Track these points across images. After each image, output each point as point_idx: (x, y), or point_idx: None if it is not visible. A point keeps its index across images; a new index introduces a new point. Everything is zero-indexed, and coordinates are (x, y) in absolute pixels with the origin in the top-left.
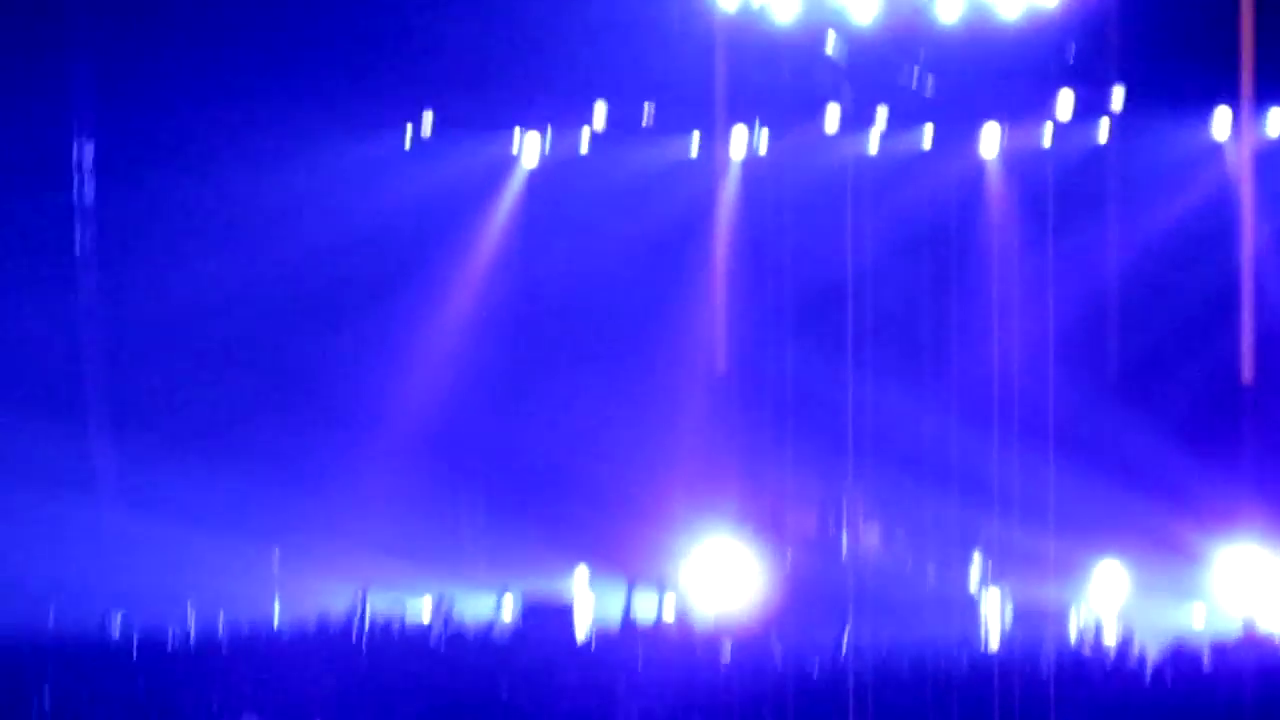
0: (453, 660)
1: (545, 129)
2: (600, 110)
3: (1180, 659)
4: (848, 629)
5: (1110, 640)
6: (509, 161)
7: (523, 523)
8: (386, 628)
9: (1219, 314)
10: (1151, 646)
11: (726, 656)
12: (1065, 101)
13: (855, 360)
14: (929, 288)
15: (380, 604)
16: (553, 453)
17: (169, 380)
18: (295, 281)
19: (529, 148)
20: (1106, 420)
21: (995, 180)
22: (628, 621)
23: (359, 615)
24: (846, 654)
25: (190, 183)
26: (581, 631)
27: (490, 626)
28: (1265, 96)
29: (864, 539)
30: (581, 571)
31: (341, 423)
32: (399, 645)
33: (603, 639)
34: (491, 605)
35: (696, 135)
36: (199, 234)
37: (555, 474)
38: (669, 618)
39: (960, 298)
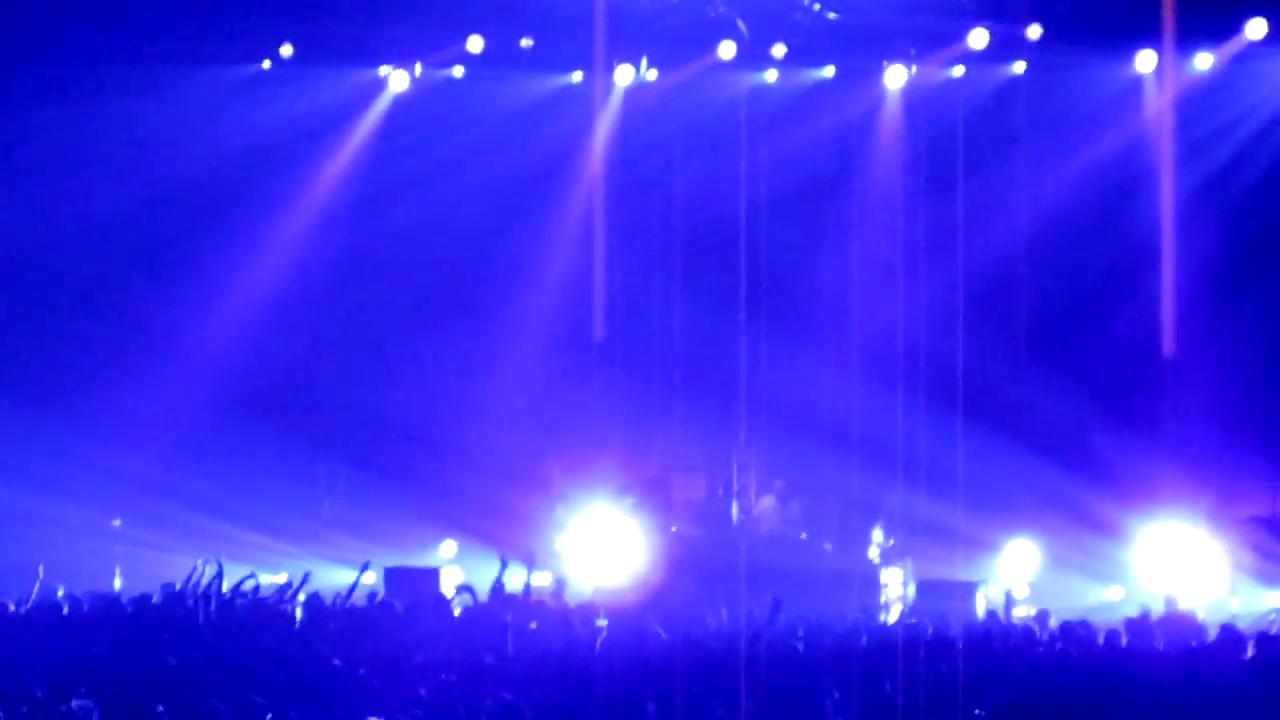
0: (309, 633)
1: (414, 62)
2: (475, 43)
3: (1086, 635)
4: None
5: (1017, 616)
6: (374, 96)
7: (387, 490)
8: (235, 599)
9: (1138, 267)
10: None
11: (602, 630)
12: (978, 38)
13: (747, 314)
14: (828, 235)
15: (233, 575)
16: (417, 414)
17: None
18: (140, 222)
19: (396, 82)
20: (1020, 384)
21: (899, 119)
22: (498, 594)
23: (206, 586)
24: (729, 628)
25: (32, 114)
26: (448, 602)
27: (350, 598)
28: (1189, 35)
29: (756, 509)
30: (449, 543)
31: (188, 378)
32: (248, 617)
33: (470, 611)
34: (353, 577)
35: (579, 73)
36: (38, 169)
37: (420, 437)
38: (544, 590)
39: (862, 246)
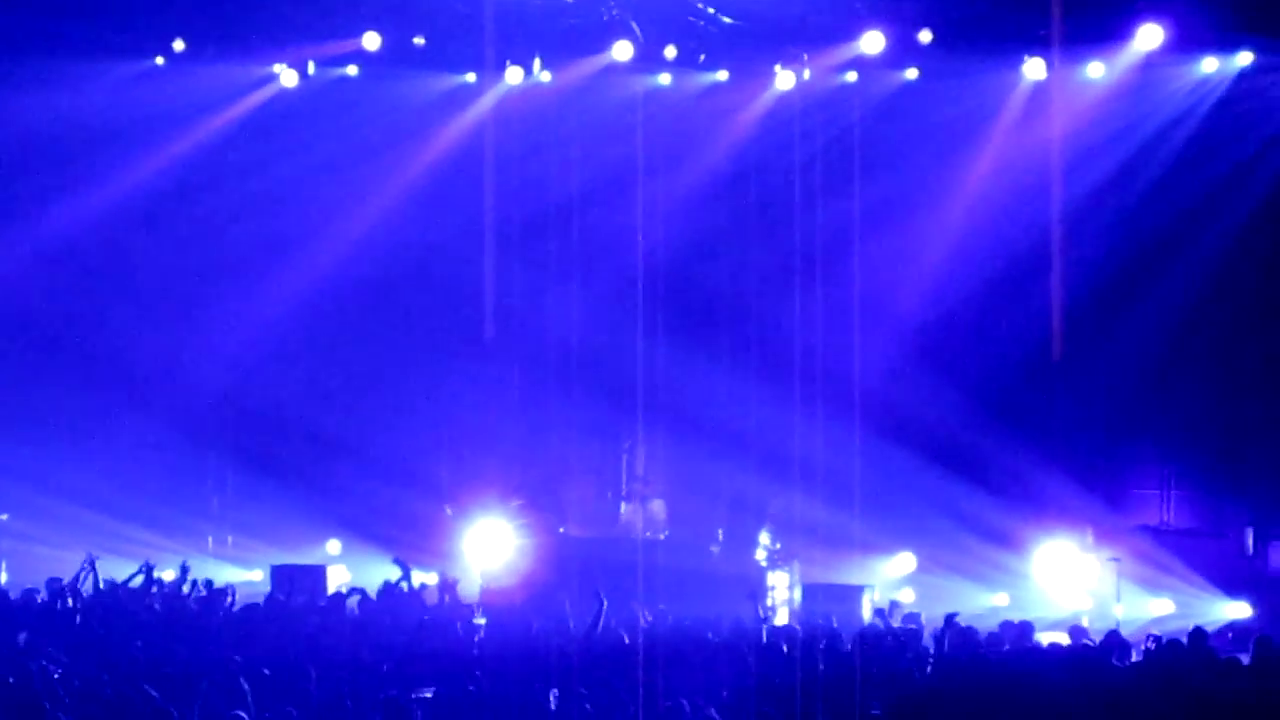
0: (196, 628)
1: (307, 60)
2: (372, 40)
3: (969, 638)
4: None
5: (898, 621)
6: (267, 92)
7: (275, 488)
8: (114, 593)
9: (1029, 273)
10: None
11: (480, 628)
12: (872, 41)
13: (643, 317)
14: (724, 238)
15: (115, 571)
16: (305, 413)
17: None
18: (32, 213)
19: (288, 79)
20: (912, 390)
21: (794, 123)
22: (388, 594)
23: (86, 581)
24: (614, 627)
25: None
26: (333, 598)
27: (232, 594)
28: (1080, 43)
29: (646, 511)
30: (334, 541)
31: (78, 374)
32: (129, 612)
33: (361, 609)
34: (237, 574)
35: (473, 74)
36: None
37: (311, 438)
38: (431, 591)
39: (758, 249)
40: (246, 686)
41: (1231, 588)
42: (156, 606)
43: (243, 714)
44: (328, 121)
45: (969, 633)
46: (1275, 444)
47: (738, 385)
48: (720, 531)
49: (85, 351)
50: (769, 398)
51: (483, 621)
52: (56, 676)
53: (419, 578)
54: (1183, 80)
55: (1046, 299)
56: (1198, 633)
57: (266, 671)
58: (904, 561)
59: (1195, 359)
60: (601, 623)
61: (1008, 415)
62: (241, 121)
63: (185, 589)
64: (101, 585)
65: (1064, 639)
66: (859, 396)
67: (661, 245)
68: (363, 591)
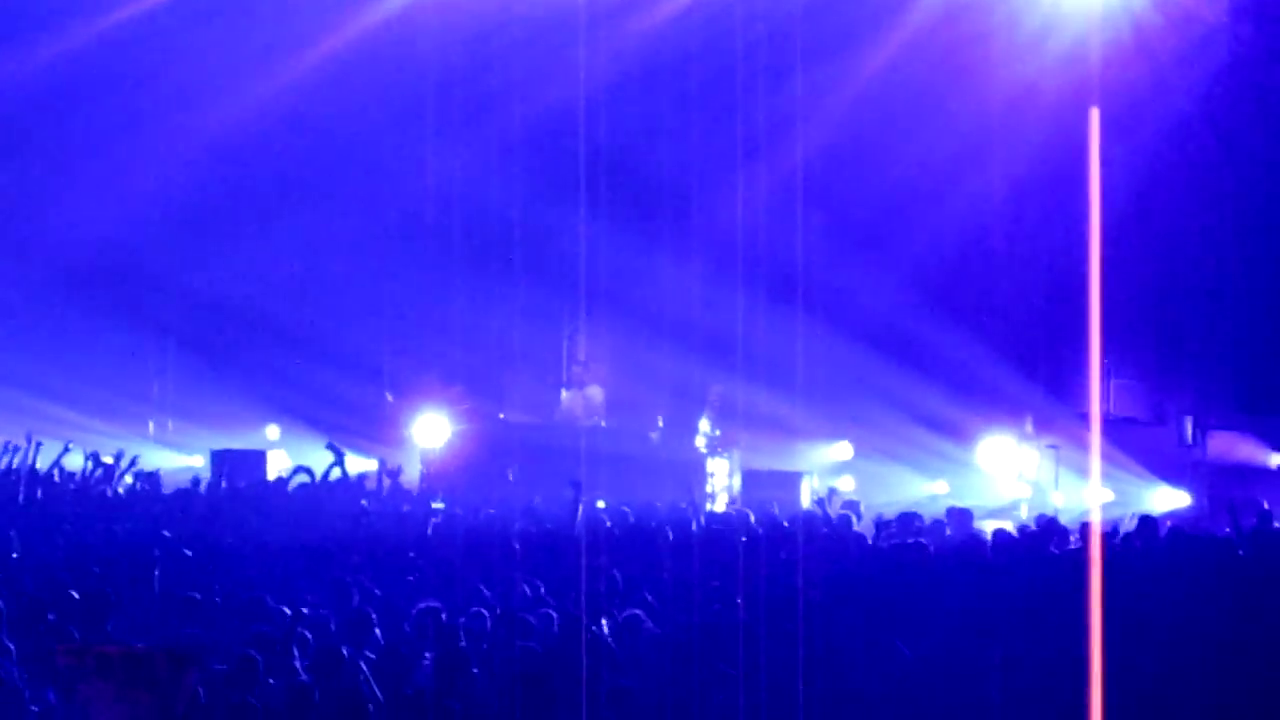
0: (135, 512)
1: None
2: None
3: (909, 525)
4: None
5: (837, 508)
6: None
7: (216, 373)
8: (52, 476)
9: (973, 158)
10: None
11: (438, 512)
12: None
13: (585, 202)
14: (666, 122)
15: (51, 453)
16: (248, 298)
17: None
18: None
19: None
20: (853, 277)
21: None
22: (331, 479)
23: (25, 463)
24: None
25: None
26: (284, 483)
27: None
28: None
29: (586, 398)
30: (273, 427)
31: (17, 256)
32: (70, 495)
33: (306, 490)
34: (179, 457)
35: None
36: None
37: (251, 323)
38: (372, 475)
39: (701, 134)
40: (191, 564)
41: (1170, 476)
42: (105, 490)
43: (196, 594)
44: (266, 9)
45: (909, 519)
46: (1214, 333)
47: (679, 271)
48: (660, 418)
49: (21, 235)
50: (710, 284)
51: (440, 506)
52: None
53: (360, 464)
54: None
55: (989, 186)
56: (1146, 520)
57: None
58: (842, 449)
59: (1136, 247)
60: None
61: (948, 303)
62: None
63: (125, 474)
64: (40, 466)
65: (1005, 526)
66: (800, 283)
67: (603, 130)
68: (309, 470)
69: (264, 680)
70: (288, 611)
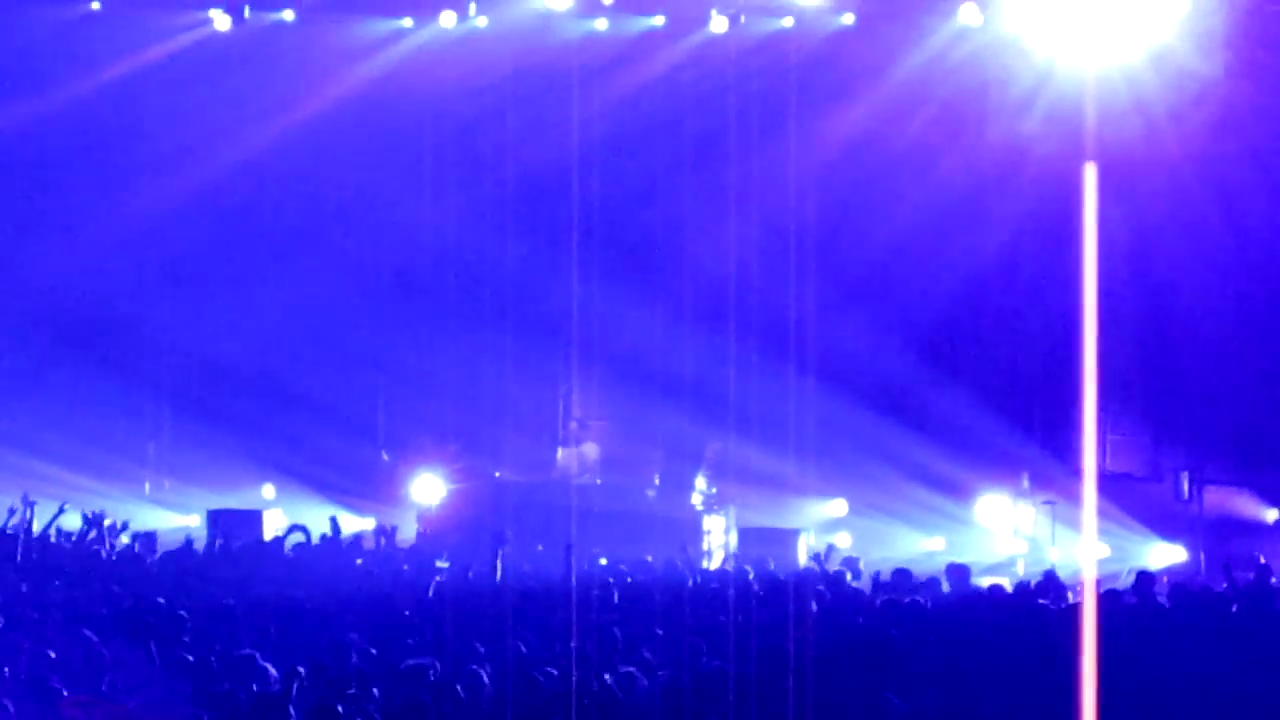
0: (131, 574)
1: (243, 4)
2: None
3: (904, 582)
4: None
5: (835, 564)
6: (201, 36)
7: (212, 433)
8: (47, 538)
9: (970, 213)
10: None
11: (442, 571)
12: None
13: (579, 260)
14: (660, 180)
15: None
16: (245, 357)
17: None
18: None
19: (221, 23)
20: (852, 335)
21: (730, 67)
22: (326, 540)
23: (21, 523)
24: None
25: None
26: (280, 542)
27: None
28: None
29: (581, 455)
30: (268, 486)
31: (11, 313)
32: (69, 557)
33: (301, 550)
34: (176, 517)
35: (409, 19)
36: None
37: (246, 383)
38: (368, 534)
39: (695, 192)
40: (187, 626)
41: (1167, 531)
42: (101, 551)
43: (188, 656)
44: (263, 67)
45: (905, 575)
46: (1211, 389)
47: (674, 329)
48: (656, 476)
49: (16, 292)
50: (705, 341)
51: (444, 565)
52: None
53: (356, 523)
54: None
55: (984, 242)
56: (1143, 576)
57: (202, 613)
58: (837, 506)
59: (1132, 303)
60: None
61: (944, 359)
62: (181, 67)
63: (125, 538)
64: (36, 528)
65: (1002, 582)
66: (795, 340)
67: (598, 187)
68: (305, 529)
69: None
70: (273, 672)
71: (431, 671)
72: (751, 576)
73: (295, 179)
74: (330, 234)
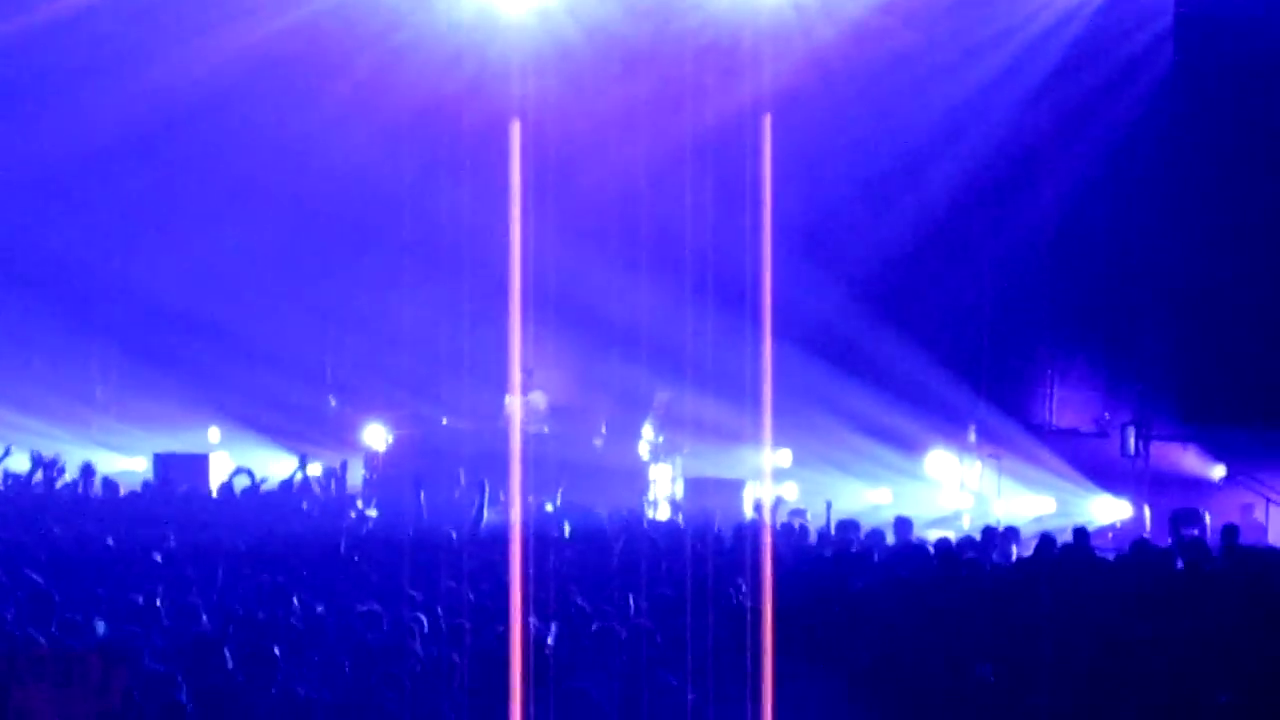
0: (76, 514)
1: None
2: None
3: (851, 534)
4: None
5: (784, 516)
6: None
7: (159, 377)
8: None
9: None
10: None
11: (370, 518)
12: None
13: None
14: (614, 129)
15: None
16: (194, 300)
17: None
18: None
19: None
20: (801, 283)
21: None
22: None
23: None
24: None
25: None
26: (226, 485)
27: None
28: None
29: (528, 403)
30: (214, 429)
31: None
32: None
33: (248, 493)
34: (122, 460)
35: None
36: None
37: (194, 325)
38: (317, 479)
39: (650, 140)
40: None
41: (1112, 486)
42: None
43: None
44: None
45: (849, 527)
46: (1157, 344)
47: (624, 277)
48: (603, 424)
49: None
50: (655, 290)
51: (373, 514)
52: None
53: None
54: None
55: (934, 194)
56: (1079, 532)
57: (155, 555)
58: (783, 456)
59: (1079, 259)
60: (486, 512)
61: (893, 312)
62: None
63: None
64: None
65: (947, 535)
66: (746, 290)
67: (548, 133)
68: (250, 472)
69: (197, 681)
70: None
71: (378, 618)
72: (694, 527)
73: (245, 123)
74: (281, 180)
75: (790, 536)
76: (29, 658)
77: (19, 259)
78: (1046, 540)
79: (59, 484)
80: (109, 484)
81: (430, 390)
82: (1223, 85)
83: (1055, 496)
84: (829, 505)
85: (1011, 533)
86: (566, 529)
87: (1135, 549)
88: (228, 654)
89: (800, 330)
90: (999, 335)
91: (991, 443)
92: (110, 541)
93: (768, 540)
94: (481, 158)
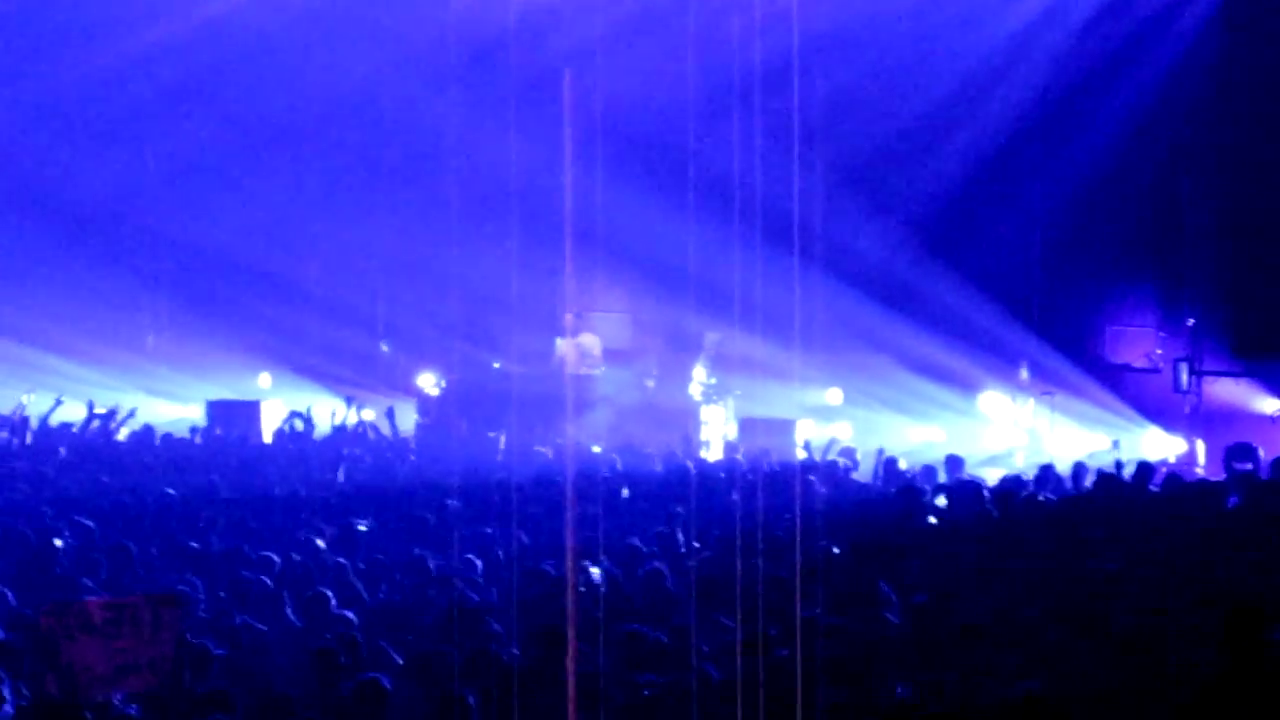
0: (133, 463)
1: None
2: None
3: (900, 474)
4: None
5: (835, 454)
6: None
7: (211, 324)
8: (47, 428)
9: (969, 107)
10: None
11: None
12: None
13: (580, 150)
14: (661, 71)
15: (47, 405)
16: (244, 249)
17: None
18: None
19: None
20: (853, 224)
21: None
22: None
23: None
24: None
25: None
26: (268, 433)
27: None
28: None
29: (580, 346)
30: (265, 375)
31: (14, 208)
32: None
33: (302, 438)
34: (176, 407)
35: None
36: None
37: (245, 272)
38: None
39: (697, 82)
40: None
41: (1166, 422)
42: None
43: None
44: None
45: (893, 463)
46: (1209, 278)
47: (675, 218)
48: (655, 366)
49: (16, 187)
50: (706, 232)
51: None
52: None
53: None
54: None
55: (985, 132)
56: (1142, 466)
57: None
58: (834, 396)
59: (1130, 194)
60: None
61: (944, 250)
62: None
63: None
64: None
65: (1000, 472)
66: (797, 230)
67: (599, 79)
68: (305, 416)
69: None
70: (275, 559)
71: (432, 564)
72: (748, 466)
73: (296, 71)
74: (332, 127)
75: (840, 474)
76: (75, 612)
77: (71, 209)
78: (1106, 477)
79: (120, 435)
80: (169, 439)
81: (482, 335)
82: (1273, 14)
83: (1108, 433)
84: (880, 451)
85: (1081, 469)
86: (619, 464)
87: (1191, 484)
88: (286, 597)
89: (852, 270)
90: (1050, 272)
91: (1044, 380)
92: (171, 490)
93: (817, 479)
94: (534, 103)
